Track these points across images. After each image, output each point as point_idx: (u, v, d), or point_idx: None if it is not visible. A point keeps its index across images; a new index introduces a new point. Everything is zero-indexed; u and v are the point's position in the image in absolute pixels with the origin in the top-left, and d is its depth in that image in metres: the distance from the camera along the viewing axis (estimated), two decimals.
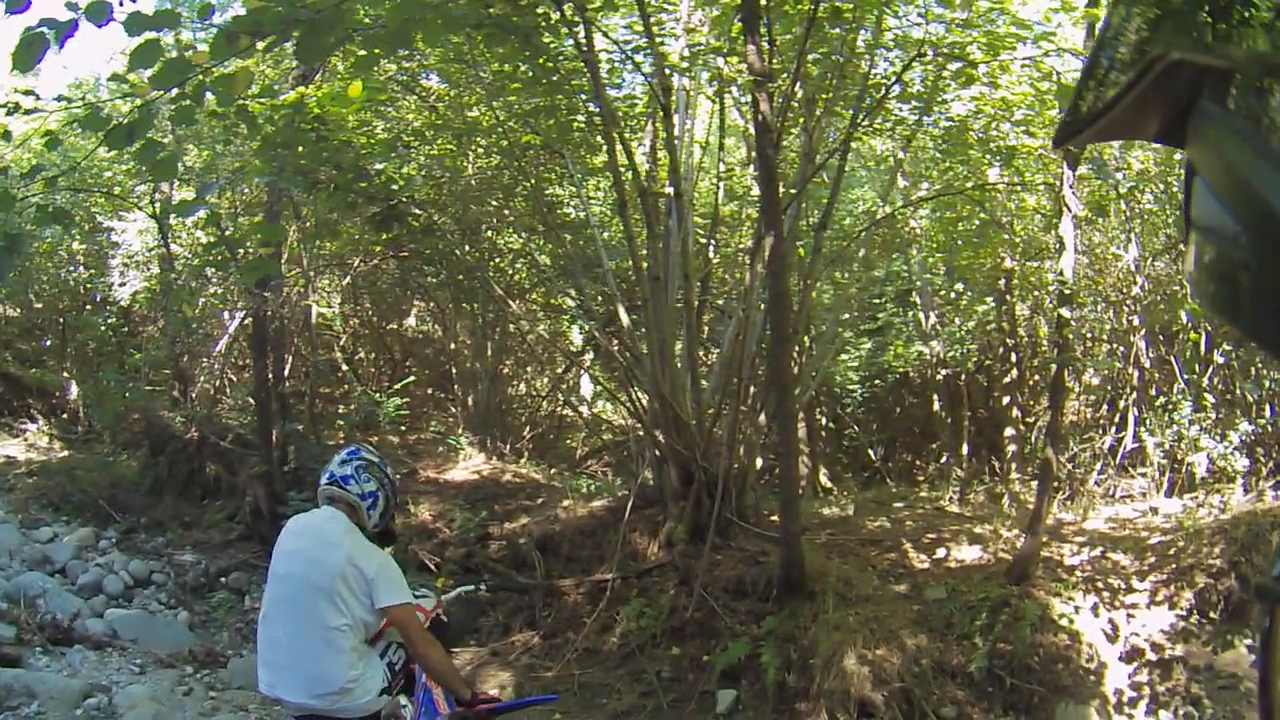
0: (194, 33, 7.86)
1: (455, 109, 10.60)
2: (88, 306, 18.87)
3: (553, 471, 11.80)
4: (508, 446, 12.51)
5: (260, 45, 4.42)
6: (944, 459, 13.06)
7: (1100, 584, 7.06)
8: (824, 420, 14.21)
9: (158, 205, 13.89)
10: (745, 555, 7.82)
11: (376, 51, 5.12)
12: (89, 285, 18.41)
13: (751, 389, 8.64)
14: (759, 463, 9.58)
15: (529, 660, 7.99)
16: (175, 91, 4.42)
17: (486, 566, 9.18)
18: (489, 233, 12.05)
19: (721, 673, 6.92)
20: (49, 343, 21.67)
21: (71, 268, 18.29)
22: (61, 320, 20.30)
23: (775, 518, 8.11)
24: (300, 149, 7.38)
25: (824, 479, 13.11)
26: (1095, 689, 6.33)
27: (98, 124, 4.81)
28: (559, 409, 15.26)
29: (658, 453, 8.90)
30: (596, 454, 13.97)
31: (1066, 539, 7.96)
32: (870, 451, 13.79)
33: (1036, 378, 12.31)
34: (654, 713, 6.94)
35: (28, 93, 5.36)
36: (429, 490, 11.31)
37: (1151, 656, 6.42)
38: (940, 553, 7.88)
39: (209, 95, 4.57)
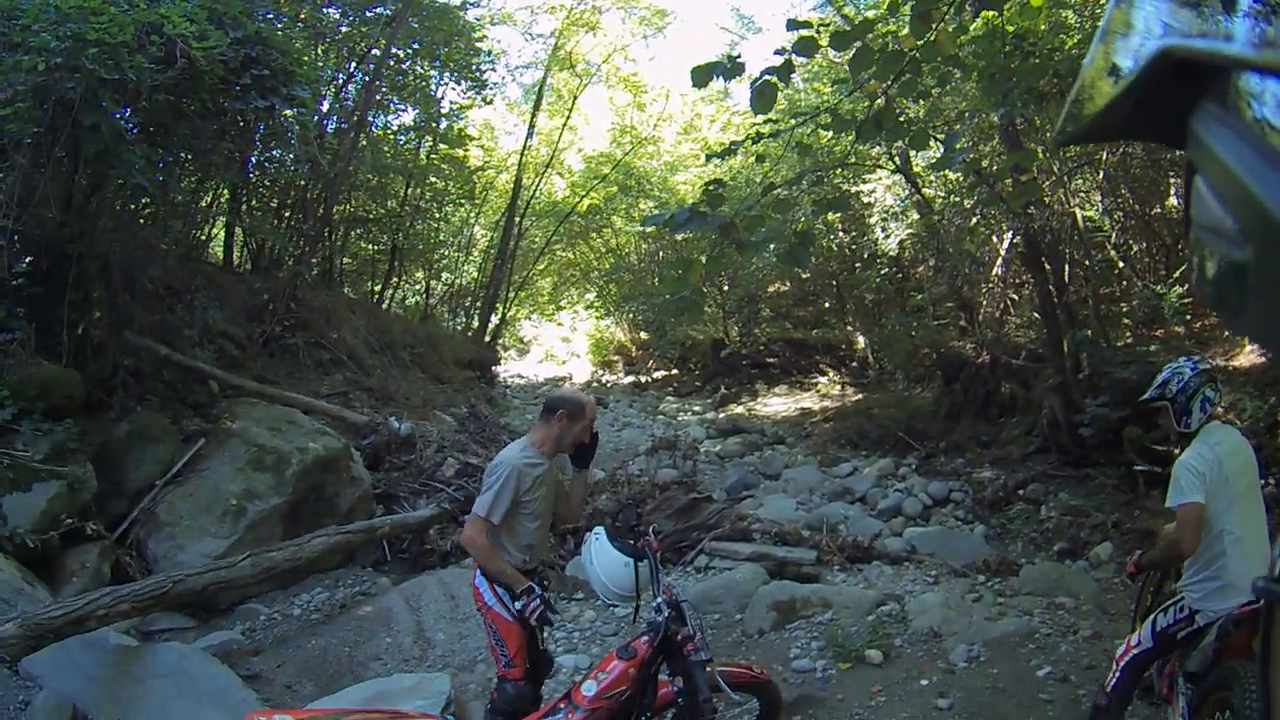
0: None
1: None
2: (856, 265, 22.06)
3: None
4: None
5: (948, 9, 5.36)
6: None
7: None
8: None
9: (898, 160, 15.96)
10: None
11: None
12: (853, 247, 21.59)
13: None
14: None
15: None
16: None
17: (1275, 459, 9.19)
18: None
19: None
20: (827, 304, 25.69)
21: (831, 235, 21.53)
22: (835, 282, 23.76)
23: None
24: (1013, 66, 7.99)
25: None
26: None
27: (843, 125, 6.25)
28: None
29: None
30: None
31: None
32: None
33: None
34: None
35: (766, 121, 6.54)
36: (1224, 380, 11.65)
37: None
38: None
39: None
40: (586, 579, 5.64)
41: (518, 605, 5.02)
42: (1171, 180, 14.93)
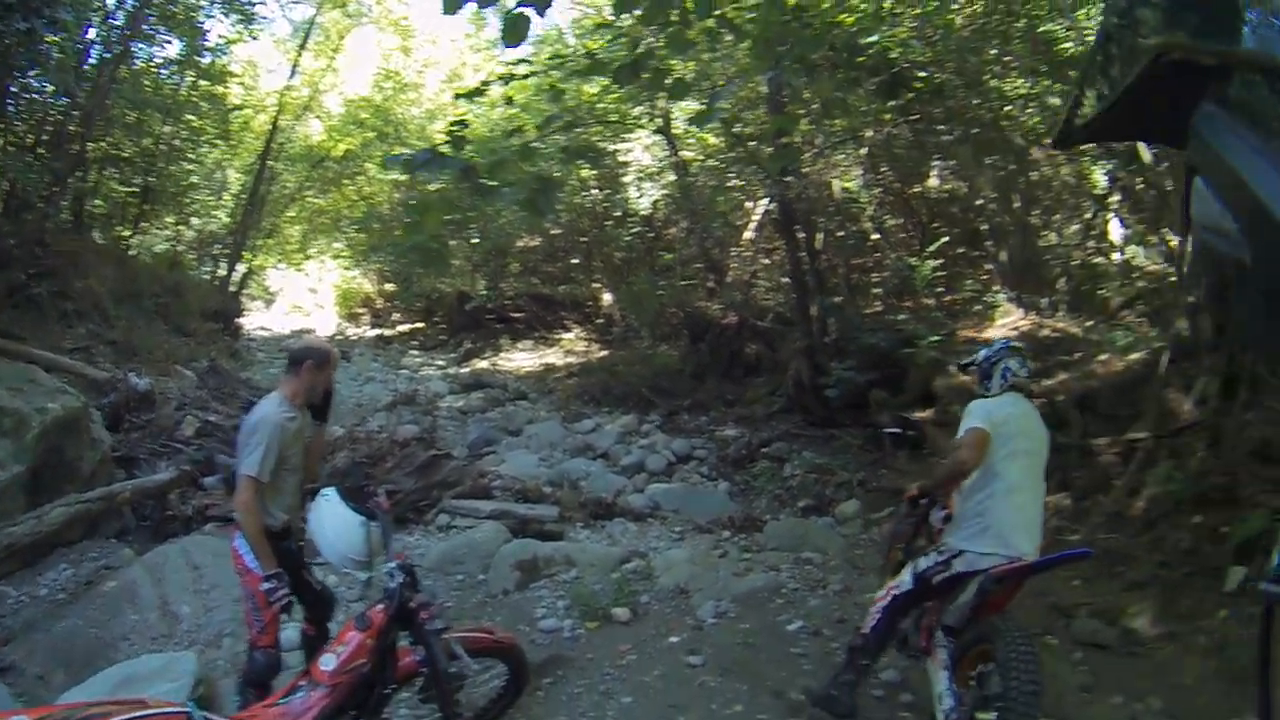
0: None
1: None
2: (608, 223, 21.68)
3: (1088, 324, 11.90)
4: (1044, 300, 12.79)
5: None
6: None
7: None
8: None
9: (659, 121, 15.70)
10: (1274, 415, 7.50)
11: None
12: (606, 204, 21.26)
13: None
14: None
15: (1058, 523, 8.22)
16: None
17: None
18: (992, 81, 12.09)
19: (1236, 547, 6.76)
20: (575, 260, 25.23)
21: (586, 193, 21.16)
22: (585, 239, 23.28)
23: None
24: (790, 31, 8.36)
25: None
26: None
27: (600, 69, 5.84)
28: (1091, 257, 14.76)
29: (1190, 299, 8.76)
30: (1131, 304, 13.37)
31: None
32: None
33: None
34: (1167, 586, 7.01)
35: (519, 62, 6.52)
36: (969, 351, 11.25)
37: None
38: None
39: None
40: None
41: (264, 586, 4.84)
42: (934, 163, 15.37)
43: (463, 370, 22.49)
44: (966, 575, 5.07)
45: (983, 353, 5.55)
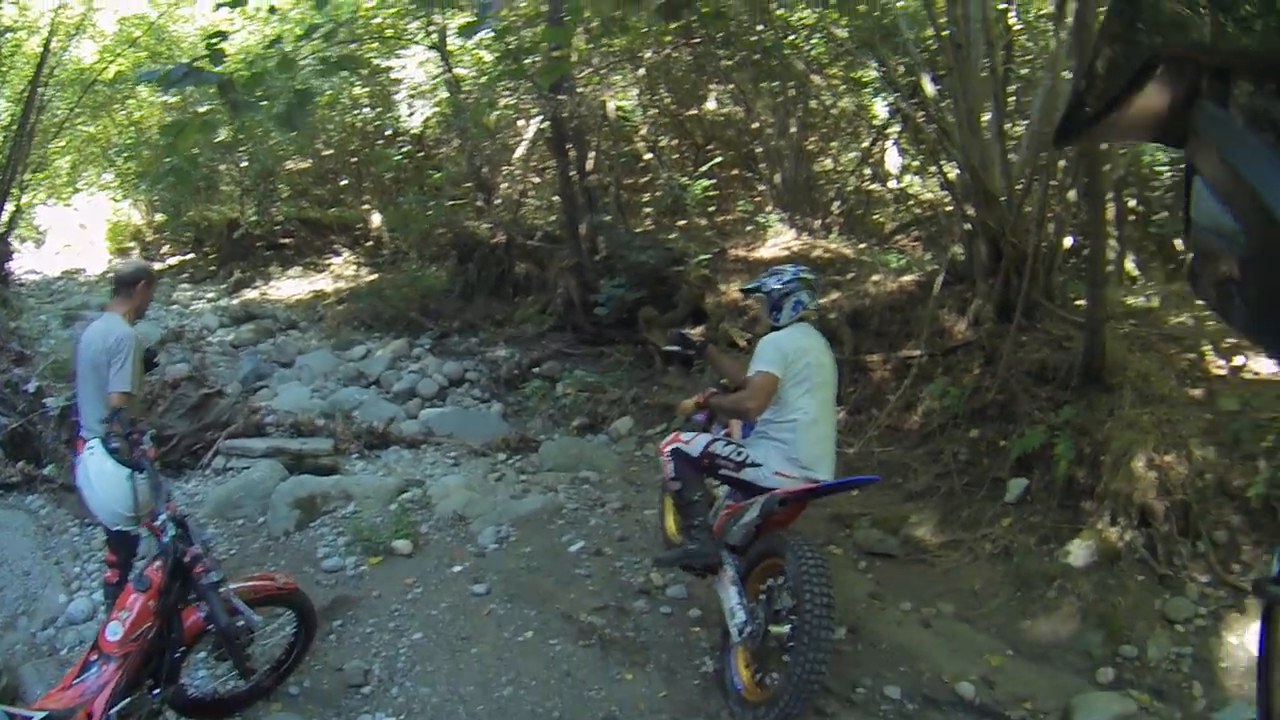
0: None
1: None
2: (379, 142, 20.87)
3: (862, 247, 12.21)
4: (817, 223, 13.02)
5: None
6: None
7: None
8: (1132, 202, 13.39)
9: (434, 36, 15.08)
10: (1050, 339, 7.81)
11: None
12: (377, 124, 20.40)
13: (1060, 164, 8.42)
14: (1067, 242, 9.37)
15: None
16: None
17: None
18: (779, 10, 12.04)
19: (1016, 460, 6.98)
20: (345, 182, 24.14)
21: (357, 111, 20.29)
22: (355, 159, 22.38)
23: (1080, 302, 7.99)
24: None
25: (1130, 265, 12.65)
26: None
27: None
28: (866, 184, 15.30)
29: (967, 227, 9.02)
30: (906, 229, 14.16)
31: None
32: (1178, 241, 12.73)
33: None
34: (946, 496, 7.23)
35: None
36: (739, 269, 12.10)
37: None
38: (1240, 360, 7.43)
39: None
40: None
41: None
42: (712, 88, 15.30)
43: (233, 302, 21.24)
44: (749, 486, 5.25)
45: (771, 280, 5.53)
